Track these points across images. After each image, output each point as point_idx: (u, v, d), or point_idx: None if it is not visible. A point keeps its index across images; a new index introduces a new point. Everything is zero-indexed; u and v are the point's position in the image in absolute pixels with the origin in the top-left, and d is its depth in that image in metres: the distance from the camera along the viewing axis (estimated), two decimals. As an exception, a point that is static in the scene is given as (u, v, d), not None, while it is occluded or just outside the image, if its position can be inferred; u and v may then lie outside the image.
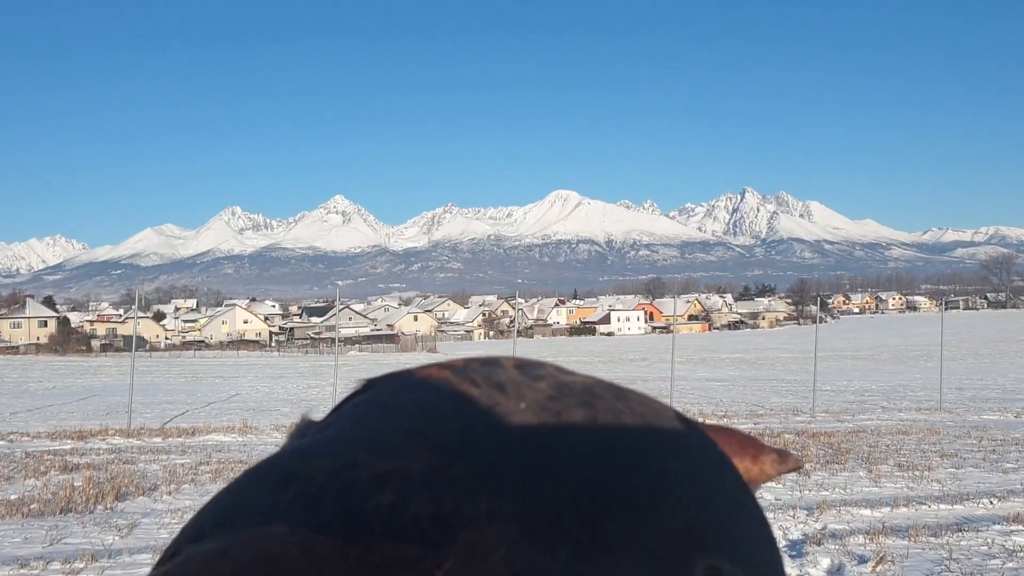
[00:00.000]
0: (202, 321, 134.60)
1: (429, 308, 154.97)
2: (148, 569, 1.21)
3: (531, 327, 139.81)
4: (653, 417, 0.74)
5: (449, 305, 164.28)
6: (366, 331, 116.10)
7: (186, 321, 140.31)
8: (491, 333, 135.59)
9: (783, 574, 0.70)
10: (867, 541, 6.37)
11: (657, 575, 0.66)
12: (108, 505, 7.64)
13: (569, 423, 0.72)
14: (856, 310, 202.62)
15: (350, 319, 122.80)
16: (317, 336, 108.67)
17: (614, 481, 0.67)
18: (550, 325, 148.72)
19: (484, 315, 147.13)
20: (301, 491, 0.68)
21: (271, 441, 13.00)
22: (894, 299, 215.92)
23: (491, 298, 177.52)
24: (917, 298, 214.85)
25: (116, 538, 6.41)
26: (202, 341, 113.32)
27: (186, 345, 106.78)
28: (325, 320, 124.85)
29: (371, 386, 0.82)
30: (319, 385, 29.36)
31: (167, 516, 7.25)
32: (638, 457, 0.69)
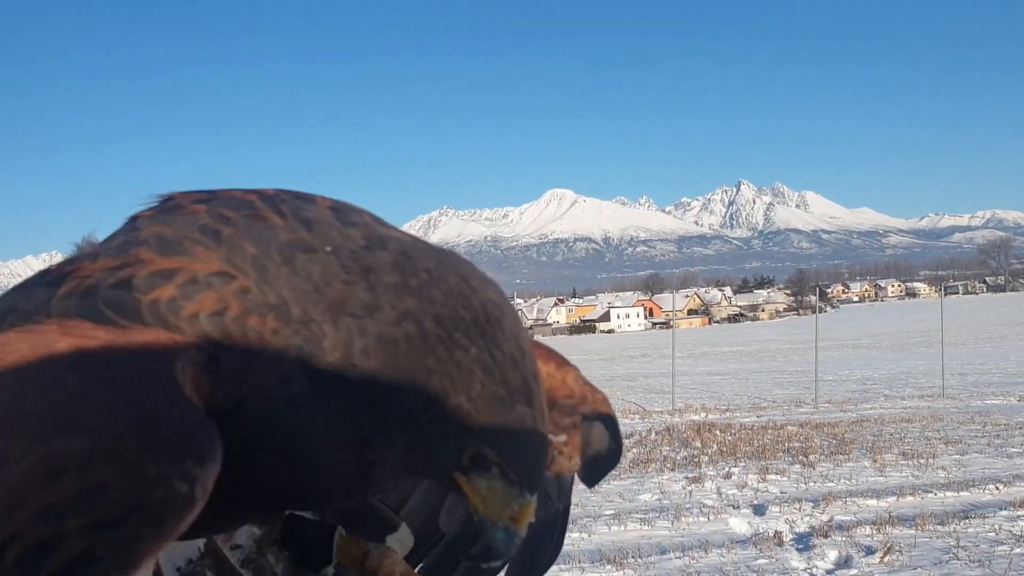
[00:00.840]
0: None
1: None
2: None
3: (531, 327, 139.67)
4: (461, 296, 0.78)
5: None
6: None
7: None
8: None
9: (543, 466, 0.81)
10: (874, 532, 6.35)
11: (428, 456, 0.80)
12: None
13: (380, 282, 0.78)
14: (855, 299, 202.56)
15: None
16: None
17: (407, 360, 0.75)
18: (550, 324, 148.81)
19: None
20: (73, 288, 0.79)
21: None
22: (893, 286, 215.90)
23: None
24: (916, 284, 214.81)
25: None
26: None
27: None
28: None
29: (169, 199, 0.90)
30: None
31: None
32: (438, 335, 0.76)
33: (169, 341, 0.73)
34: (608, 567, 5.71)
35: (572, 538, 6.57)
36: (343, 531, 1.12)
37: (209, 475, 0.68)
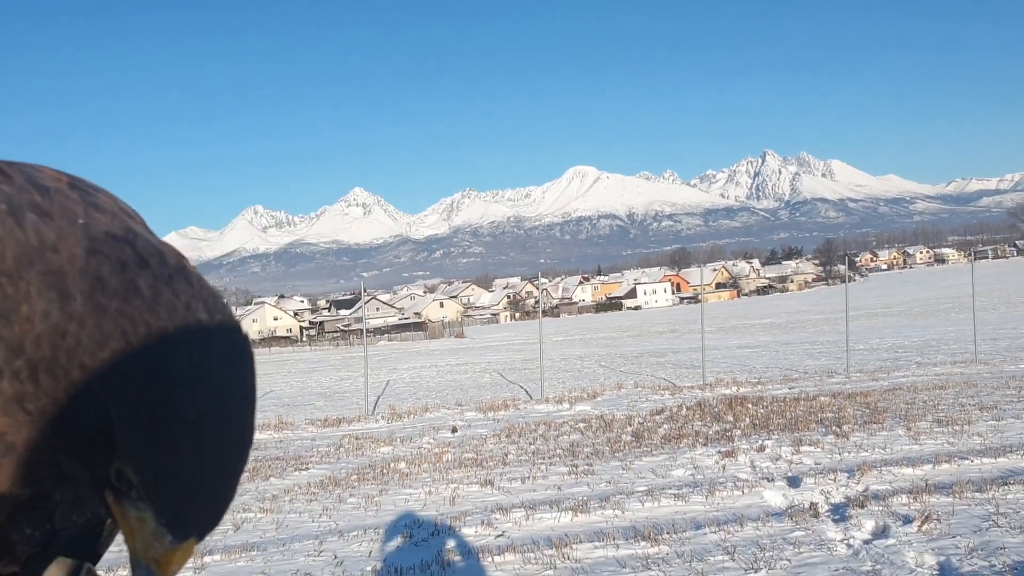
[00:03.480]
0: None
1: (454, 294, 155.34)
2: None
3: (556, 306, 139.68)
4: (176, 314, 0.71)
5: (473, 290, 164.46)
6: (394, 320, 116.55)
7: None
8: (517, 315, 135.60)
9: (207, 508, 0.71)
10: (911, 500, 6.30)
11: (76, 457, 0.72)
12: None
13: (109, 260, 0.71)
14: (884, 267, 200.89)
15: (377, 309, 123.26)
16: (347, 328, 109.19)
17: (83, 349, 0.68)
18: (576, 303, 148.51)
19: (509, 297, 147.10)
20: None
21: (307, 436, 13.07)
22: (921, 253, 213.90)
23: (515, 280, 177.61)
24: (945, 250, 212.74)
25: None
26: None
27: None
28: (353, 312, 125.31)
29: None
30: (351, 377, 29.50)
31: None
32: (138, 346, 0.68)
33: None
34: (643, 543, 5.70)
35: (606, 515, 6.58)
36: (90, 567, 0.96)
37: None
